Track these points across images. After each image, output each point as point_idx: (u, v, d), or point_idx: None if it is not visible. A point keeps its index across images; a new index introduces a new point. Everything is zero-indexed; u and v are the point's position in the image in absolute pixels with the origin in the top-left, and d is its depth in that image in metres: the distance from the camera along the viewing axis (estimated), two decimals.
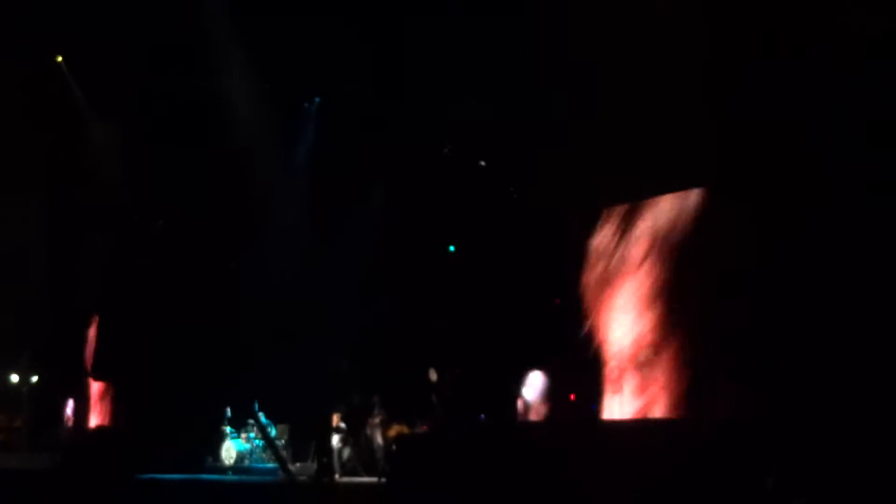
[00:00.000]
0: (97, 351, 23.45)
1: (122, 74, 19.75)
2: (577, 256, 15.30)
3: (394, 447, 17.24)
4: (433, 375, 17.89)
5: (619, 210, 14.80)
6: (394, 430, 18.16)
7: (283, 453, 19.29)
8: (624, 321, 14.42)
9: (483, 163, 17.52)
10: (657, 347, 13.84)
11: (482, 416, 16.66)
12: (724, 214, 13.30)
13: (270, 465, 19.70)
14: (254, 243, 20.89)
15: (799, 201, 12.29)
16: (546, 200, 16.12)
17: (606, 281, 14.77)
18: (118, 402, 22.24)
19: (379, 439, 18.52)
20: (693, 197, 13.78)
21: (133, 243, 22.10)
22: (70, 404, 23.78)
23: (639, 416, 13.97)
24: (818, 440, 10.65)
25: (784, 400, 11.86)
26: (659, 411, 13.65)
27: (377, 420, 18.69)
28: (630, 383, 14.16)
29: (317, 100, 20.33)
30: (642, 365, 13.98)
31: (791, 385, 11.88)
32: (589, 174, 15.12)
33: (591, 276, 15.01)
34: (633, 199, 14.50)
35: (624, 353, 14.36)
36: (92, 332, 23.70)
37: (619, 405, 14.38)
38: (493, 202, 17.23)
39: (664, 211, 14.13)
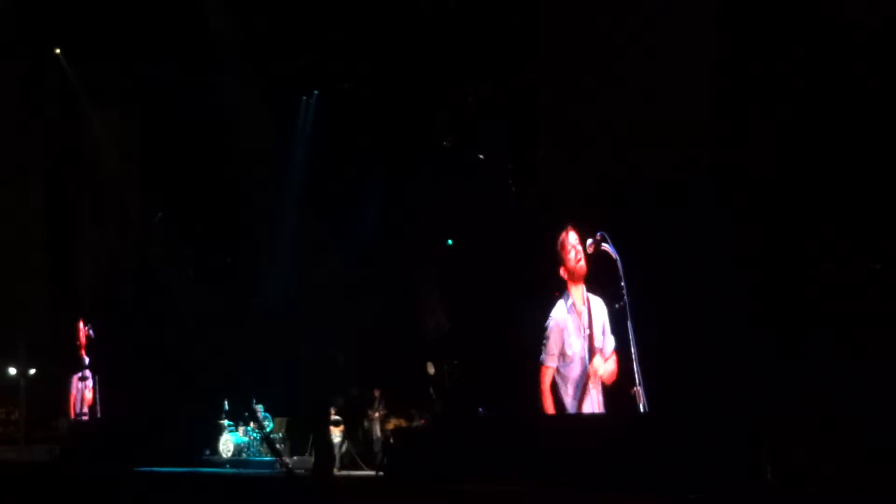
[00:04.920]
0: (95, 344, 23.44)
1: (121, 68, 19.72)
2: (574, 249, 15.24)
3: (391, 440, 17.27)
4: (431, 369, 17.86)
5: (617, 202, 14.71)
6: (392, 424, 18.15)
7: (280, 446, 19.31)
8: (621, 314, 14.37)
9: (482, 156, 17.47)
10: (656, 342, 13.79)
11: (480, 409, 16.63)
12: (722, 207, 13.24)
13: (268, 458, 19.72)
14: (252, 238, 20.86)
15: (800, 195, 12.26)
16: (545, 194, 16.09)
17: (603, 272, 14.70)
18: (116, 394, 22.22)
19: (377, 433, 18.53)
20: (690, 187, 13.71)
21: (131, 236, 22.09)
22: (76, 397, 23.82)
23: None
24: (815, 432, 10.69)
25: (781, 394, 11.84)
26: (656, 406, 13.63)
27: (376, 414, 18.69)
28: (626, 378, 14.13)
29: (315, 93, 20.29)
30: (641, 360, 13.94)
31: (788, 380, 11.86)
32: (587, 167, 15.07)
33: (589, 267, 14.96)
34: (632, 190, 14.41)
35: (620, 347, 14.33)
36: (90, 324, 23.69)
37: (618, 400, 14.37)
38: (491, 195, 17.17)
39: (663, 203, 14.04)
